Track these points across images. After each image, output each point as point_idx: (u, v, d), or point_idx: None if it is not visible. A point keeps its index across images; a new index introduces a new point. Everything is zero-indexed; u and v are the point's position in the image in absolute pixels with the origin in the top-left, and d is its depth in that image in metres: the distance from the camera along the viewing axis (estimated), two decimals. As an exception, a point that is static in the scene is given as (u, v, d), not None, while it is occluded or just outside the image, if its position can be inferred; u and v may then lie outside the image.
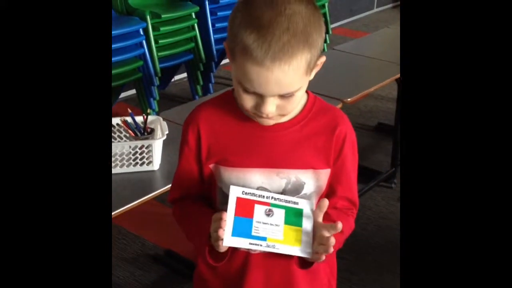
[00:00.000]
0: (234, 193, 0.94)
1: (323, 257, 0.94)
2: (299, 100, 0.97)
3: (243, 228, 0.92)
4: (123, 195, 1.48)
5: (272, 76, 0.87)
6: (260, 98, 0.91)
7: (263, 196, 0.95)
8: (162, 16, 3.13)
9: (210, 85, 3.55)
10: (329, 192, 1.04)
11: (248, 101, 0.93)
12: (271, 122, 0.97)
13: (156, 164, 1.61)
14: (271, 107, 0.92)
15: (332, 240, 0.92)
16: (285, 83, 0.89)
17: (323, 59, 0.94)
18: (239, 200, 0.93)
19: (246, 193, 0.94)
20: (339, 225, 0.92)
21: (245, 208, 0.93)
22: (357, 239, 2.27)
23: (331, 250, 0.93)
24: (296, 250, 0.93)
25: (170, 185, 1.13)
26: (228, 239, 0.91)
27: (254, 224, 0.92)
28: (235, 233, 0.91)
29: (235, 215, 0.92)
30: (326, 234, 0.93)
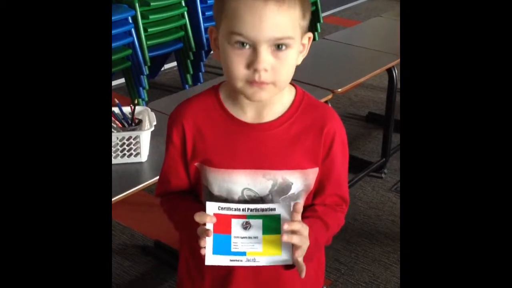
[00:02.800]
0: (211, 209, 0.93)
1: (303, 268, 0.92)
2: (292, 64, 0.92)
3: (222, 245, 0.92)
4: (110, 187, 1.47)
5: (266, 13, 0.85)
6: (253, 53, 0.88)
7: (239, 209, 0.94)
8: (151, 4, 3.09)
9: (200, 74, 3.53)
10: (318, 189, 1.02)
11: (240, 62, 0.88)
12: (263, 94, 0.91)
13: (144, 156, 1.60)
14: (265, 56, 0.87)
15: (299, 238, 0.90)
16: (279, 24, 0.87)
17: (310, 34, 0.95)
18: (216, 216, 0.92)
19: (222, 208, 0.93)
20: (298, 205, 0.92)
21: (223, 224, 0.92)
22: (347, 229, 2.27)
23: (304, 245, 0.91)
24: (276, 259, 0.93)
25: (158, 177, 1.11)
26: (210, 258, 0.91)
27: (233, 240, 0.92)
28: (216, 251, 0.91)
29: (214, 232, 0.91)
30: (292, 227, 0.91)
